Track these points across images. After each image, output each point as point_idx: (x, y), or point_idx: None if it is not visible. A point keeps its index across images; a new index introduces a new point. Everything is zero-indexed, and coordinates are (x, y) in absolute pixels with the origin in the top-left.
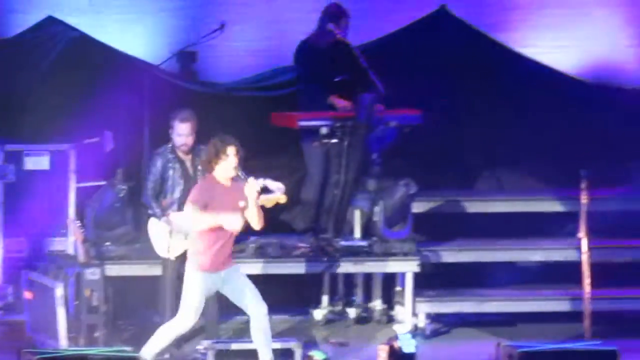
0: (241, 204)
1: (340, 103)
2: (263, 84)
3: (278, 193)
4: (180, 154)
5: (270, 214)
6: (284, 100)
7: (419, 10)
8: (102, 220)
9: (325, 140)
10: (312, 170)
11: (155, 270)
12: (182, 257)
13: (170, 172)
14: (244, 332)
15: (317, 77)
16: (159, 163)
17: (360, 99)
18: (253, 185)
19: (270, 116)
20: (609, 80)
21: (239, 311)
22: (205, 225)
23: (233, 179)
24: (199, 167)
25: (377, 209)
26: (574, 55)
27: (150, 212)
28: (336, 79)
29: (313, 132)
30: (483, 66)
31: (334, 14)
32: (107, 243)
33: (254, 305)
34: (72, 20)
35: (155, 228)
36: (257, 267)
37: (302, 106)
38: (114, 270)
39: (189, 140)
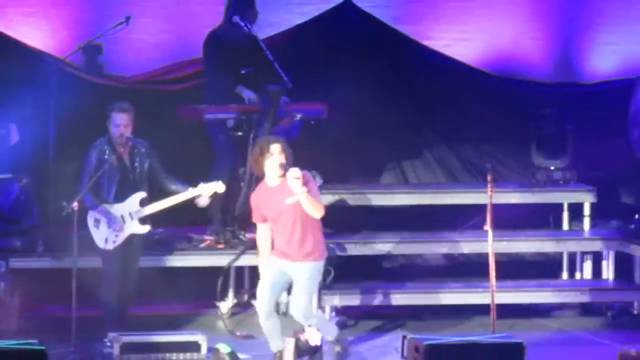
0: (288, 201)
1: (247, 94)
2: (169, 77)
3: (215, 182)
4: (117, 146)
5: (176, 206)
6: (189, 92)
7: (325, 3)
8: (7, 213)
9: (232, 133)
10: (219, 163)
11: (62, 263)
12: (122, 249)
13: (106, 164)
14: (152, 325)
15: (223, 69)
16: (93, 156)
17: (266, 91)
18: (292, 174)
19: (174, 109)
20: (513, 72)
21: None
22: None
23: (283, 180)
24: (137, 159)
25: None
26: (477, 47)
27: (87, 204)
28: (242, 71)
29: (219, 124)
30: (388, 58)
31: (240, 5)
32: (13, 236)
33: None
34: None
35: (93, 220)
36: (162, 260)
37: (208, 98)
38: (20, 263)
39: (127, 131)
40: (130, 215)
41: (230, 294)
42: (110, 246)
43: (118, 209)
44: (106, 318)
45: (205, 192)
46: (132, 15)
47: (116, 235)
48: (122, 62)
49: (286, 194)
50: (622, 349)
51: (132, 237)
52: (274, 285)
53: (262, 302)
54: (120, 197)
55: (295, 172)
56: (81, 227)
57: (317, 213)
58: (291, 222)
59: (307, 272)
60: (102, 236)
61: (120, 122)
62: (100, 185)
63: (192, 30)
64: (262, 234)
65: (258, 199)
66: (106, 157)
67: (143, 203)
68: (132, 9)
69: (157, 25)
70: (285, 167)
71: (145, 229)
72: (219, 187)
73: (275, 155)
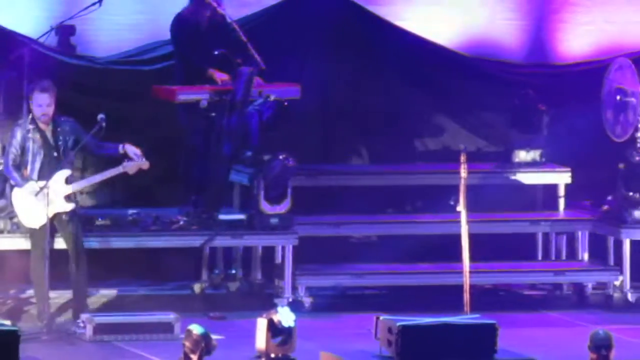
0: None
1: (220, 76)
2: (142, 58)
3: (138, 159)
4: (41, 125)
5: (149, 187)
6: (162, 73)
7: None
8: None
9: (205, 114)
10: (191, 144)
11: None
12: (52, 229)
13: (30, 143)
14: (125, 306)
15: (193, 50)
16: (18, 134)
17: (238, 72)
18: None
19: (148, 90)
20: (487, 53)
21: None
22: None
23: None
24: (61, 137)
25: (256, 182)
26: (451, 28)
27: (12, 182)
28: (215, 53)
29: (192, 105)
30: (360, 39)
31: None
32: None
33: None
34: None
35: (19, 198)
36: (135, 241)
37: (178, 80)
38: None
39: (49, 111)
40: (55, 193)
41: (204, 274)
42: (36, 224)
43: (42, 186)
44: (38, 300)
45: (128, 170)
46: None
47: (42, 214)
48: (96, 43)
49: None
50: (594, 330)
51: (60, 217)
52: None
53: None
54: (44, 176)
55: None
56: None
57: None
58: None
59: None
60: (28, 214)
61: (43, 102)
62: (24, 164)
63: (166, 11)
64: None
65: None
66: (29, 135)
67: (68, 181)
68: None
69: (131, 6)
70: None
71: (70, 206)
72: (143, 165)
73: None
